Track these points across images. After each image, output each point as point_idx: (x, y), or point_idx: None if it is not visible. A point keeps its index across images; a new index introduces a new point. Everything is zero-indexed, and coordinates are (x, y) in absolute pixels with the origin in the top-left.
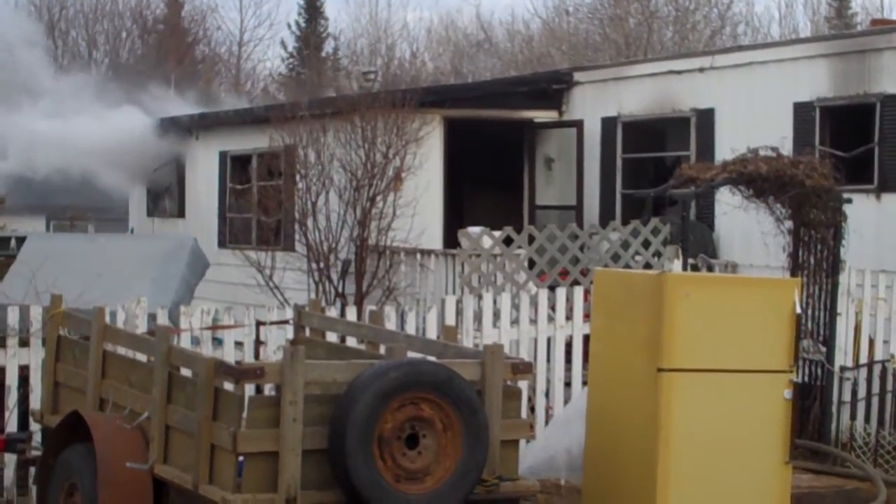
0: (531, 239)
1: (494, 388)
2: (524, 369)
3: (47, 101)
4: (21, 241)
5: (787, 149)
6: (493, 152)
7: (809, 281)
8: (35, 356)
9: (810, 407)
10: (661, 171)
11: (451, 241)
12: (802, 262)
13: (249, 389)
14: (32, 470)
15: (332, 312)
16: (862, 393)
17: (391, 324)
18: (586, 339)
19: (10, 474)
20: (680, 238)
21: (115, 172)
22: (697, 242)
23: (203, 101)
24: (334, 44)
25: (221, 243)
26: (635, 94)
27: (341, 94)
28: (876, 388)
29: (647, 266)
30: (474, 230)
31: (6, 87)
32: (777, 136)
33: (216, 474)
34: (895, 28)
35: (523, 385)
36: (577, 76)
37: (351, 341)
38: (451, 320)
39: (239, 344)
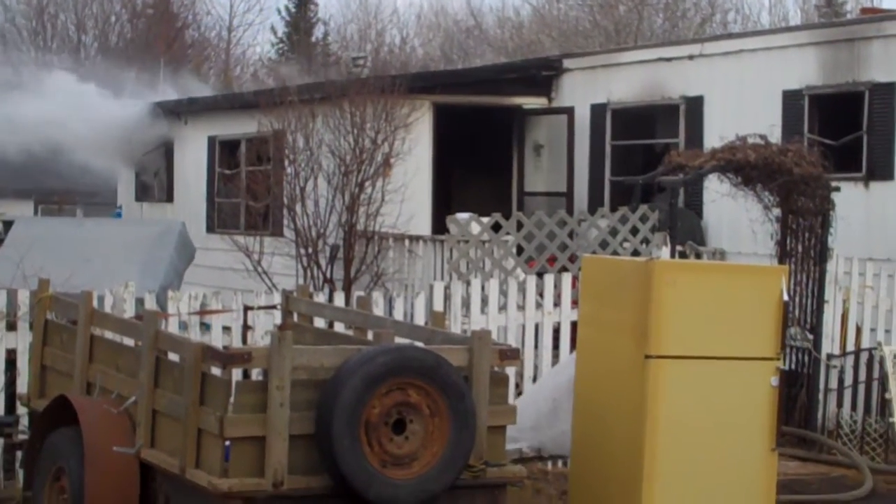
0: (519, 225)
1: (482, 374)
2: (512, 355)
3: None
4: (8, 225)
5: (775, 137)
6: (482, 138)
7: (797, 269)
8: (22, 340)
9: (797, 394)
10: (650, 159)
11: (439, 227)
12: (790, 250)
13: (237, 374)
14: (19, 454)
15: (320, 298)
16: (849, 381)
17: (379, 309)
18: (574, 325)
19: None
20: (668, 225)
21: (103, 156)
22: (685, 230)
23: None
24: (324, 29)
25: (210, 228)
26: (625, 81)
27: (330, 80)
28: (862, 376)
29: (636, 253)
30: (463, 216)
31: None
32: (766, 124)
33: (203, 459)
34: (884, 16)
35: (511, 371)
36: (567, 63)
37: (339, 327)
38: (439, 306)
39: (227, 329)
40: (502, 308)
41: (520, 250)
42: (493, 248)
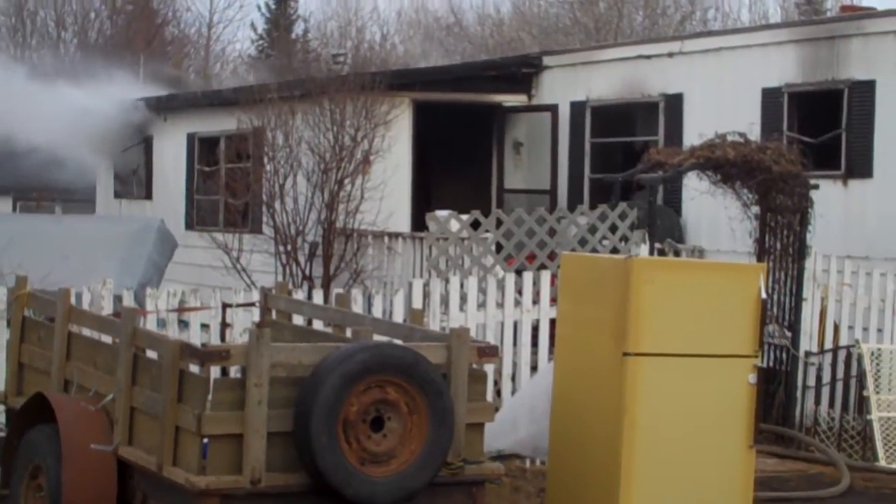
0: (499, 223)
1: (460, 372)
2: (490, 353)
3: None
4: None
5: (754, 134)
6: (461, 136)
7: (775, 266)
8: None
9: (775, 392)
10: (629, 156)
11: (418, 224)
12: (769, 248)
13: (215, 372)
14: None
15: (299, 295)
16: (826, 378)
17: (358, 307)
18: (553, 323)
19: None
20: (647, 223)
21: (81, 153)
22: (664, 227)
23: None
24: (304, 26)
25: (189, 225)
26: (604, 78)
27: (310, 77)
28: (840, 374)
29: (615, 250)
30: (442, 213)
31: None
32: (745, 121)
33: (181, 456)
34: (863, 14)
35: (489, 369)
36: (547, 60)
37: (317, 324)
38: (418, 303)
39: (205, 326)
40: (481, 305)
41: (499, 248)
42: (473, 245)
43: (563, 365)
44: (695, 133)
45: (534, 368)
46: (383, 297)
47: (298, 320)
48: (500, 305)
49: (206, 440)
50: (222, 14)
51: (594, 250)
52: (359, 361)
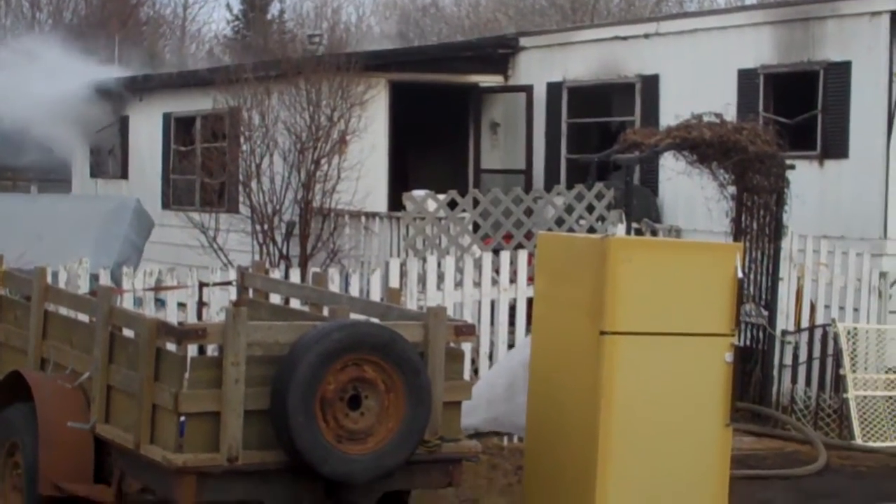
0: (476, 202)
1: (437, 350)
2: (467, 331)
3: None
4: None
5: (730, 115)
6: (438, 116)
7: (752, 246)
8: None
9: (752, 370)
10: (605, 137)
11: (395, 204)
12: (745, 228)
13: (192, 350)
14: None
15: (276, 274)
16: (803, 357)
17: (335, 286)
18: (530, 302)
19: None
20: (624, 202)
21: (57, 132)
22: (641, 207)
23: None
24: (280, 7)
25: (165, 205)
26: (581, 59)
27: (286, 57)
28: (817, 353)
29: (591, 230)
30: (419, 193)
31: None
32: (721, 102)
33: (158, 434)
34: None
35: (467, 347)
36: (523, 41)
37: (294, 303)
38: (395, 283)
39: (182, 305)
40: (458, 285)
41: (476, 227)
42: (449, 225)
43: (541, 344)
44: (671, 114)
45: (511, 347)
46: (360, 276)
47: (275, 299)
48: (477, 285)
49: (183, 418)
50: None
51: (571, 230)
52: (335, 340)
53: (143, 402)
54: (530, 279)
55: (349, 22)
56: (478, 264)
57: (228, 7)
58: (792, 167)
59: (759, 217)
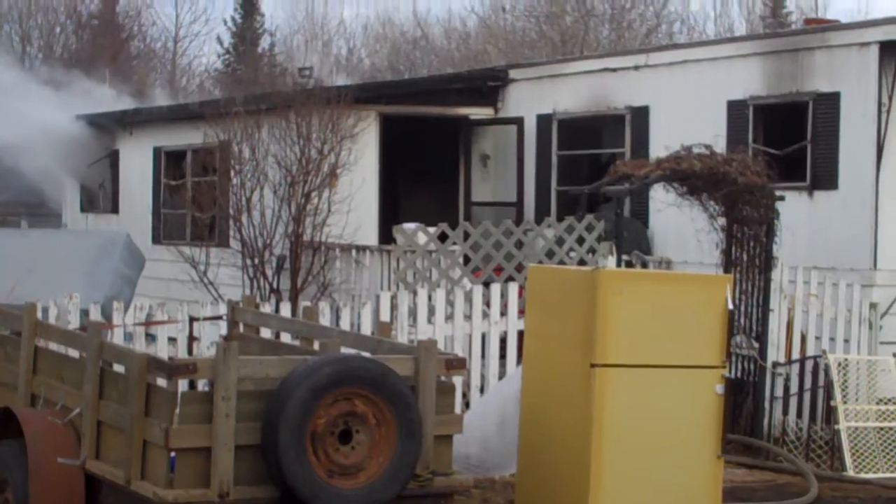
0: (466, 235)
1: (428, 384)
2: (458, 365)
3: None
4: None
5: (720, 146)
6: (428, 149)
7: (742, 277)
8: None
9: (743, 402)
10: (596, 168)
11: (386, 237)
12: (735, 259)
13: (182, 385)
14: None
15: (267, 308)
16: (794, 388)
17: (326, 320)
18: (520, 335)
19: None
20: (614, 234)
21: (47, 167)
22: (631, 239)
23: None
24: (270, 40)
25: (156, 239)
26: (571, 91)
27: (276, 90)
28: (808, 384)
29: (582, 262)
30: (409, 226)
31: None
32: (711, 133)
33: (148, 470)
34: (828, 27)
35: (458, 381)
36: (513, 73)
37: (285, 337)
38: (385, 316)
39: (172, 340)
40: (449, 318)
41: (466, 260)
42: (440, 258)
43: (532, 376)
44: (661, 145)
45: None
46: (351, 309)
47: (266, 333)
48: (468, 318)
49: (173, 454)
50: (188, 28)
51: (561, 262)
52: (326, 374)
53: (133, 437)
54: (521, 312)
55: (339, 55)
56: (468, 297)
57: (219, 41)
58: (781, 198)
59: (750, 248)
